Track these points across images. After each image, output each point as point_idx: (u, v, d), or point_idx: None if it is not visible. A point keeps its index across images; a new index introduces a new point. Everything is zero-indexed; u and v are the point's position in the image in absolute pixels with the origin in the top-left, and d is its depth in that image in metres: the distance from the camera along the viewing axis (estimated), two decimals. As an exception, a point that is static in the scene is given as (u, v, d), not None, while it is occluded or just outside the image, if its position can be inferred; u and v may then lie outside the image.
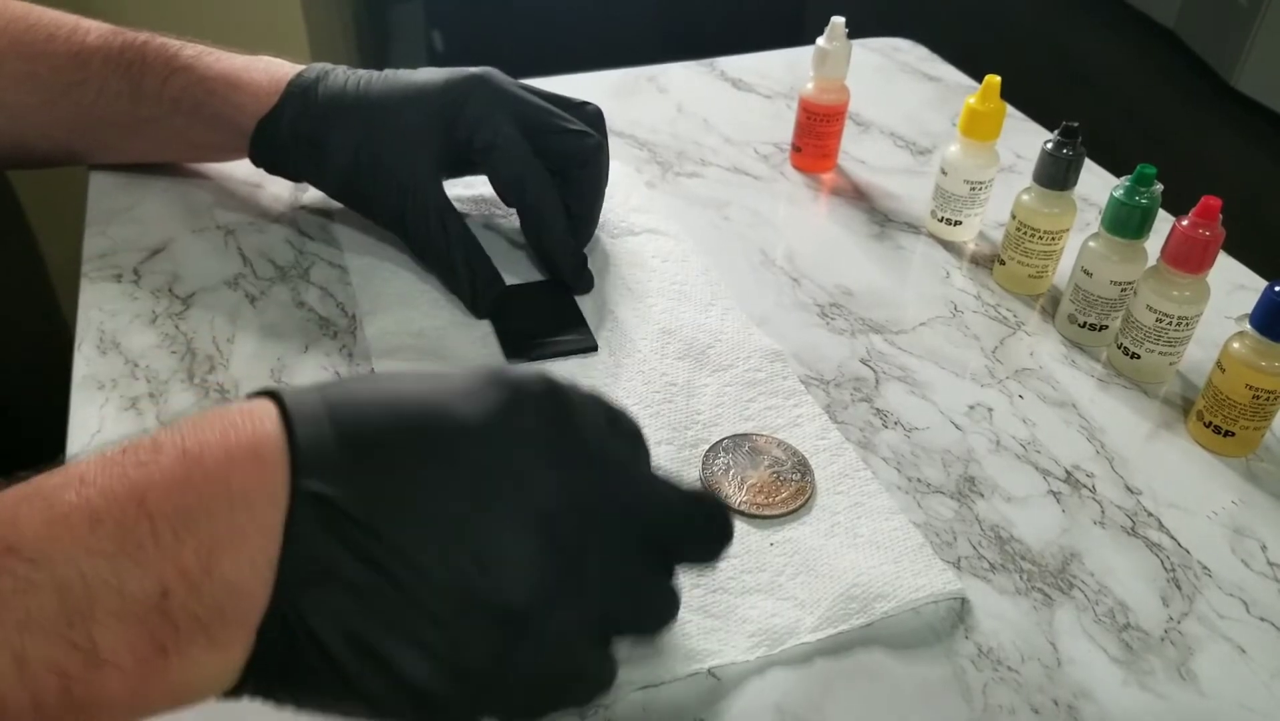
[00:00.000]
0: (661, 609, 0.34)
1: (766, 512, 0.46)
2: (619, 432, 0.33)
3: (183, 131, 0.60)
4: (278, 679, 0.29)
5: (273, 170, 0.60)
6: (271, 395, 0.30)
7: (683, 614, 0.39)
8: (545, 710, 0.32)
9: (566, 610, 0.30)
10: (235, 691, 0.29)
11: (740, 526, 0.46)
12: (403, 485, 0.29)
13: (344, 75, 0.57)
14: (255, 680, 0.29)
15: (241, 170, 0.66)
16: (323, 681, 0.28)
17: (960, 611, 0.43)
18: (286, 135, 0.56)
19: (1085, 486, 0.50)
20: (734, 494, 0.47)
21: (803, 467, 0.49)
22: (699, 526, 0.34)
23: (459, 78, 0.56)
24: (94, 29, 0.58)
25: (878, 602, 0.42)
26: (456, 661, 0.29)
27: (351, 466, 0.28)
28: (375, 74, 0.57)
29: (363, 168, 0.56)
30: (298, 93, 0.56)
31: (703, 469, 0.49)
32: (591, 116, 0.60)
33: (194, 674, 0.28)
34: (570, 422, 0.31)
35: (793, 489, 0.48)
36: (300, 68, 0.58)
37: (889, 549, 0.45)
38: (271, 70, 0.58)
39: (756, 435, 0.51)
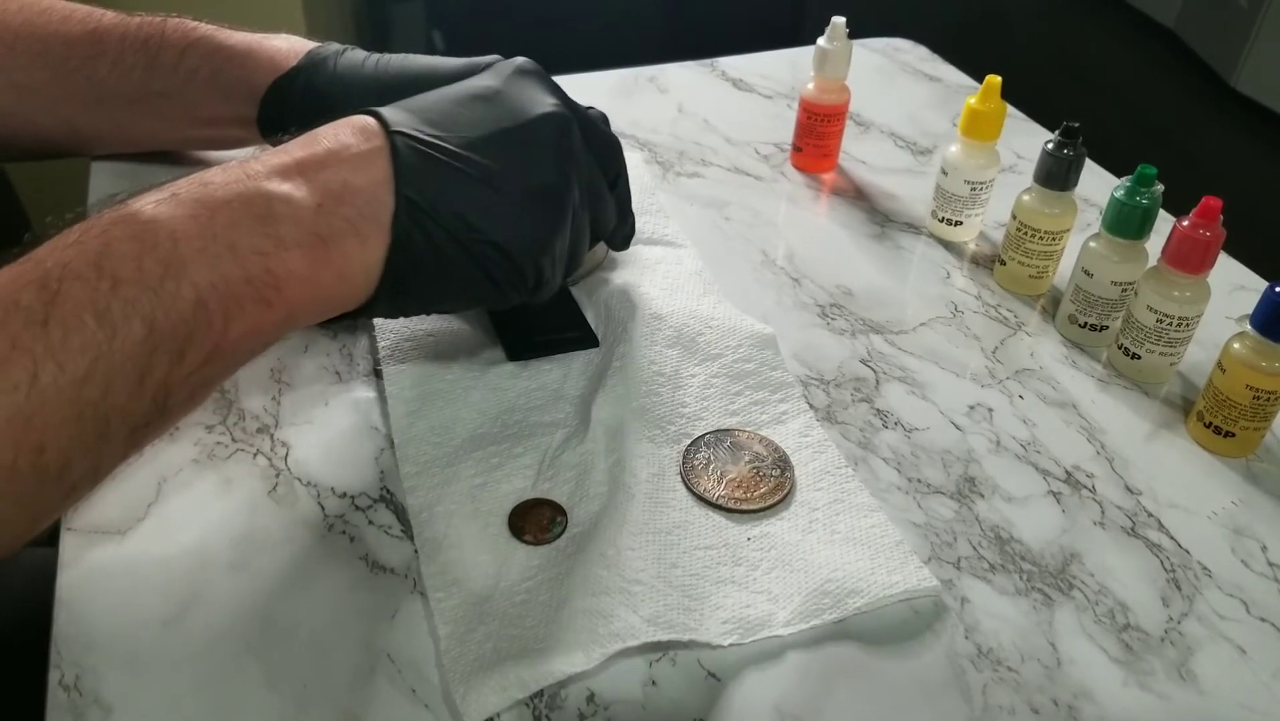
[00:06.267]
0: (611, 212, 0.51)
1: (744, 507, 0.46)
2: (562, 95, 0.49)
3: (194, 106, 0.60)
4: (405, 267, 0.42)
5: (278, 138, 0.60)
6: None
7: (665, 589, 0.43)
8: (566, 273, 0.49)
9: (578, 193, 0.47)
10: (374, 299, 0.42)
11: (718, 520, 0.46)
12: (452, 117, 0.44)
13: (363, 53, 0.58)
14: (391, 272, 0.42)
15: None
16: (438, 256, 0.42)
17: (960, 611, 0.43)
18: (300, 95, 0.57)
19: (1085, 487, 0.50)
20: (713, 488, 0.47)
21: (783, 463, 0.49)
22: (604, 138, 0.50)
23: (479, 62, 0.56)
24: (111, 13, 0.59)
25: (850, 598, 0.42)
26: (521, 224, 0.44)
27: (418, 119, 0.44)
28: (393, 55, 0.58)
29: None
30: (317, 60, 0.58)
31: (683, 462, 0.49)
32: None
33: (348, 262, 0.40)
34: (550, 80, 0.48)
35: (771, 484, 0.48)
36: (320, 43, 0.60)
37: (866, 545, 0.45)
38: (292, 40, 0.60)
39: (739, 430, 0.51)
